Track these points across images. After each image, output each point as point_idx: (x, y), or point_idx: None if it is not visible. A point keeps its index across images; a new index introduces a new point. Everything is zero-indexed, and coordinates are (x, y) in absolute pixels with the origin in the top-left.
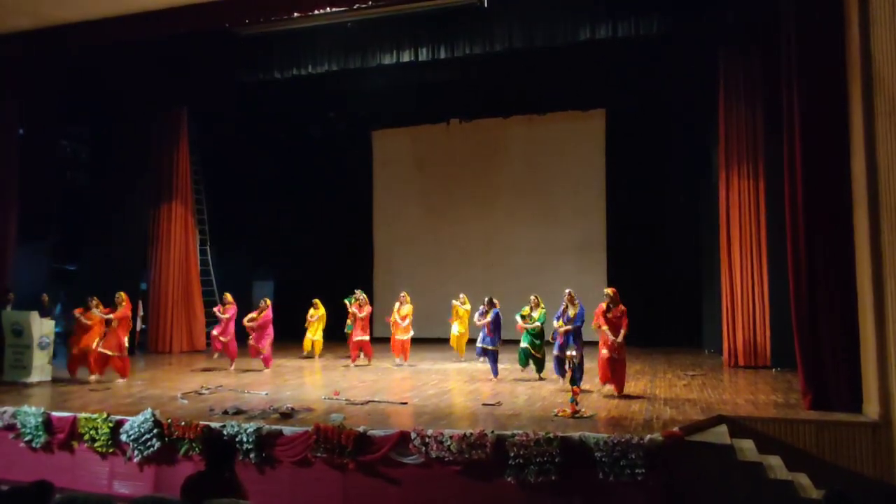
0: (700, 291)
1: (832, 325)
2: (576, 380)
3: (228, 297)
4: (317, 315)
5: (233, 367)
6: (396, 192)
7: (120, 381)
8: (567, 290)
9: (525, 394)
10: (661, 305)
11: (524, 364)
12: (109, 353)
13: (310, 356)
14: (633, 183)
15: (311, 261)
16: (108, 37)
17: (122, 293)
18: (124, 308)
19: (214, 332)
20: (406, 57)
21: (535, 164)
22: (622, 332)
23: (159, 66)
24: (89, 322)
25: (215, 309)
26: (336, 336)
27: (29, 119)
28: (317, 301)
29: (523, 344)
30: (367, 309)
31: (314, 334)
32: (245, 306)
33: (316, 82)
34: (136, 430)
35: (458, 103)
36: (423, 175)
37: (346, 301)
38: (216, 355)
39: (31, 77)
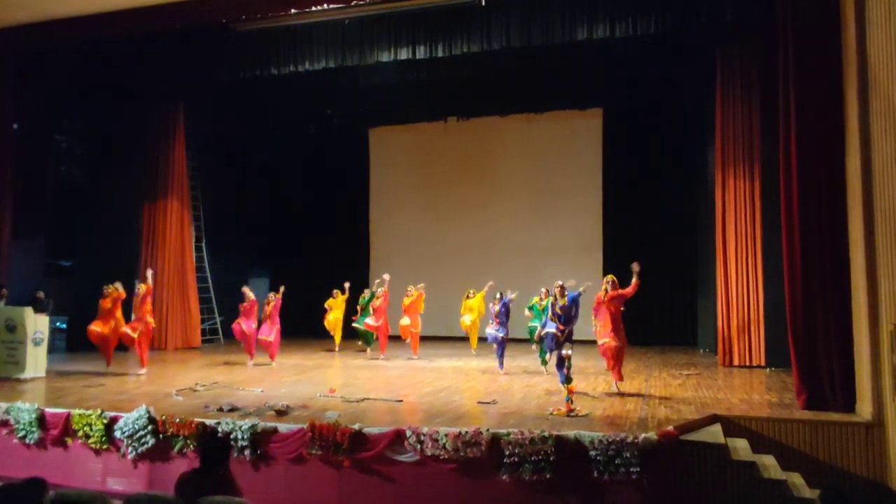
0: (695, 291)
1: (827, 326)
2: (570, 378)
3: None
4: (335, 304)
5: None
6: (393, 191)
7: (141, 370)
8: (559, 283)
9: (521, 392)
10: (657, 304)
11: (545, 362)
12: (131, 332)
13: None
14: (630, 182)
15: (307, 259)
16: (104, 31)
17: (142, 284)
18: (145, 291)
19: (263, 338)
20: (404, 54)
21: (533, 163)
22: (631, 287)
23: (155, 60)
24: (108, 305)
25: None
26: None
27: (24, 114)
28: (336, 292)
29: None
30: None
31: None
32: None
33: (313, 79)
34: (131, 426)
35: (455, 101)
36: (421, 173)
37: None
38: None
39: (26, 71)
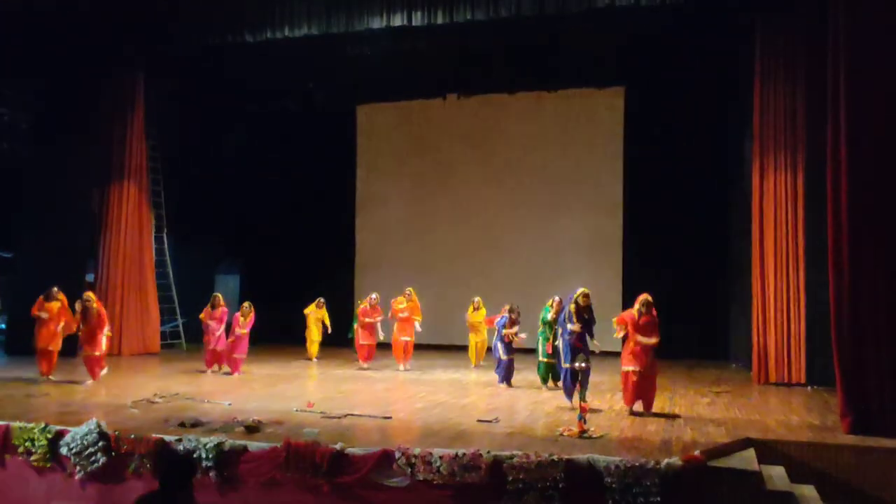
0: (727, 297)
1: (878, 339)
2: (584, 395)
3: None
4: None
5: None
6: (383, 177)
7: (88, 382)
8: (584, 290)
9: (526, 409)
10: (684, 312)
11: (546, 381)
12: (96, 353)
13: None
14: (655, 172)
15: (282, 253)
16: None
17: (91, 292)
18: (98, 307)
19: (236, 356)
20: (398, 21)
21: (544, 148)
22: (654, 339)
23: (111, 23)
24: (45, 315)
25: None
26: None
27: None
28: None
29: (543, 358)
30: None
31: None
32: (205, 305)
33: (293, 48)
34: (79, 442)
35: (456, 76)
36: (415, 158)
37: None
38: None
39: None
